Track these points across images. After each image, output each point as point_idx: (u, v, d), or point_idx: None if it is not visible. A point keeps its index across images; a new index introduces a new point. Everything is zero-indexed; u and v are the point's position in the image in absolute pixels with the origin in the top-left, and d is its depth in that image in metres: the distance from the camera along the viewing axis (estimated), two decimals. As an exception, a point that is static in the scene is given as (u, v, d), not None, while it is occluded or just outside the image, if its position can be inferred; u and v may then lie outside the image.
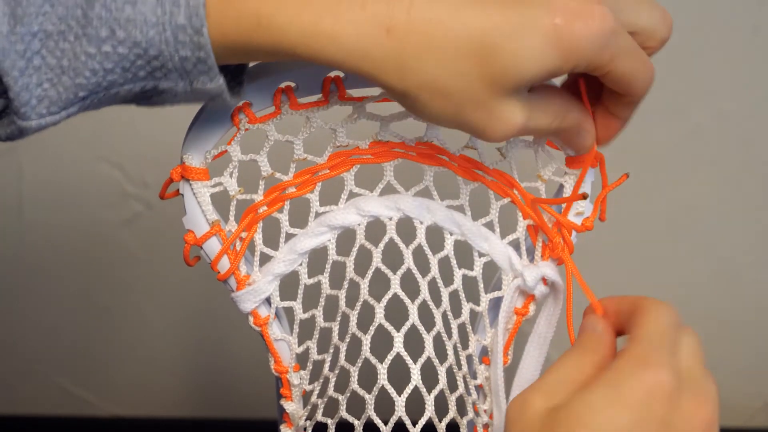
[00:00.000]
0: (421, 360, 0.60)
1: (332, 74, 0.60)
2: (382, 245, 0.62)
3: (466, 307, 0.63)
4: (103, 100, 0.55)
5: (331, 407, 0.61)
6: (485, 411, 0.63)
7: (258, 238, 0.62)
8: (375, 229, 0.63)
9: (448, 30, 0.52)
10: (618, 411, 0.48)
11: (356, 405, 0.60)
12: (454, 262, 0.63)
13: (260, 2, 0.52)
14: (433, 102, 0.54)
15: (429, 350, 0.60)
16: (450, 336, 0.62)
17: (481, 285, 0.64)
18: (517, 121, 0.55)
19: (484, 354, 0.64)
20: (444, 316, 0.62)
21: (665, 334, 0.51)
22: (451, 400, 0.61)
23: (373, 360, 0.60)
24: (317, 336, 0.63)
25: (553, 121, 0.58)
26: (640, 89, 0.57)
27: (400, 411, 0.59)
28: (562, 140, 0.62)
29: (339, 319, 0.62)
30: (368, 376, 0.60)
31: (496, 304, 0.64)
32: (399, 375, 0.60)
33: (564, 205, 0.63)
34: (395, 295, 0.61)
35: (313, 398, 0.63)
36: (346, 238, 0.63)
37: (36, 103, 0.53)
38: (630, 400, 0.48)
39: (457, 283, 0.63)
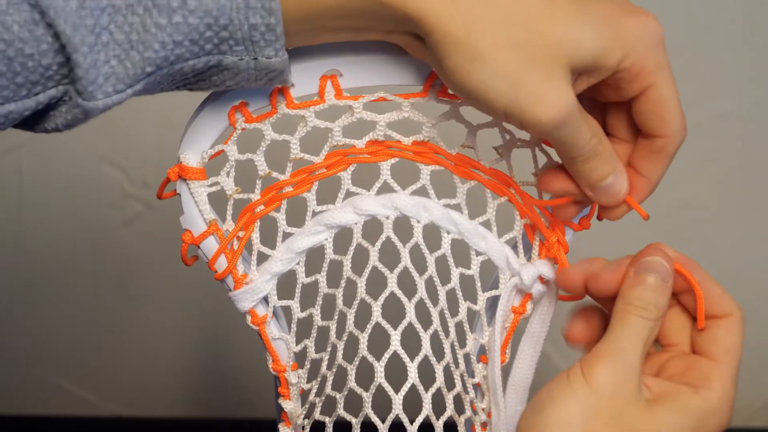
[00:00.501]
0: (419, 358, 0.60)
1: (329, 73, 0.60)
2: (379, 244, 0.62)
3: (464, 306, 0.63)
4: (166, 78, 0.54)
5: (329, 406, 0.61)
6: (483, 409, 0.63)
7: (255, 237, 0.62)
8: (372, 228, 0.63)
9: None
10: None
11: (354, 403, 0.60)
12: (451, 260, 0.63)
13: None
14: (491, 53, 0.54)
15: (426, 349, 0.61)
16: (447, 334, 0.62)
17: (479, 284, 0.64)
18: (569, 100, 0.55)
19: (482, 352, 0.64)
20: (441, 314, 0.62)
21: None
22: (449, 398, 0.61)
23: (371, 358, 0.60)
24: (315, 335, 0.63)
25: (592, 138, 0.57)
26: (673, 129, 0.57)
27: (397, 409, 0.59)
28: (589, 180, 0.59)
29: (336, 317, 0.62)
30: (366, 375, 0.60)
31: (493, 303, 0.64)
32: (396, 373, 0.60)
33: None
34: (392, 294, 0.61)
35: (311, 397, 0.63)
36: (343, 237, 0.63)
37: (103, 81, 0.53)
38: None
39: (455, 282, 0.63)
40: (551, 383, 0.57)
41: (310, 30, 0.55)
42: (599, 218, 0.63)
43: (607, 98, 0.59)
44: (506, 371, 0.64)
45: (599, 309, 0.61)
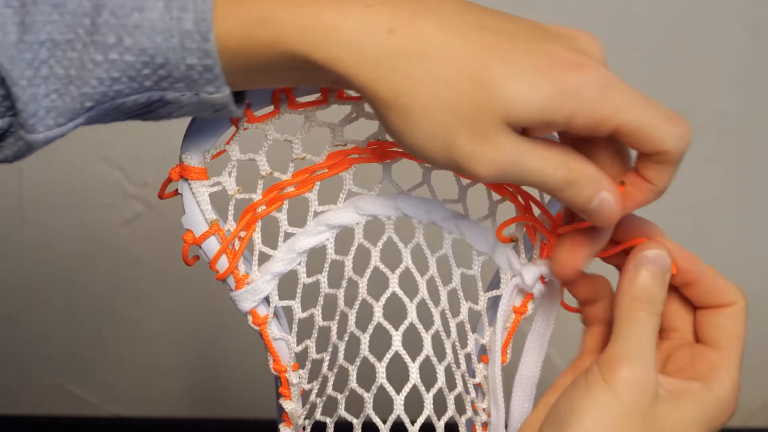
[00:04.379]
0: (420, 359, 0.60)
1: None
2: (380, 244, 0.62)
3: (465, 306, 0.63)
4: (109, 111, 0.54)
5: (330, 406, 0.61)
6: (484, 409, 0.63)
7: (257, 237, 0.62)
8: (373, 228, 0.63)
9: (449, 42, 0.52)
10: None
11: (355, 404, 0.60)
12: (452, 261, 0.63)
13: (266, 2, 0.52)
14: (421, 115, 0.52)
15: (428, 349, 0.61)
16: (449, 335, 0.62)
17: (480, 284, 0.64)
18: (507, 152, 0.52)
19: (483, 353, 0.64)
20: (442, 314, 0.62)
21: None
22: (450, 398, 0.61)
23: (372, 359, 0.60)
24: (316, 335, 0.63)
25: (557, 171, 0.54)
26: (669, 144, 0.53)
27: (398, 410, 0.59)
28: (575, 206, 0.55)
29: (338, 318, 0.62)
30: (367, 375, 0.60)
31: (494, 303, 0.64)
32: (398, 374, 0.60)
33: (562, 205, 0.63)
34: (394, 294, 0.61)
35: (312, 397, 0.63)
36: (344, 237, 0.63)
37: (44, 114, 0.53)
38: None
39: (456, 282, 0.63)
40: (569, 393, 0.57)
41: (246, 80, 0.55)
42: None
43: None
44: (507, 371, 0.64)
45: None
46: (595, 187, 0.55)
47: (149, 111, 0.55)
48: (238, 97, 0.57)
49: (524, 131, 0.54)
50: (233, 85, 0.54)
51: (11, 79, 0.52)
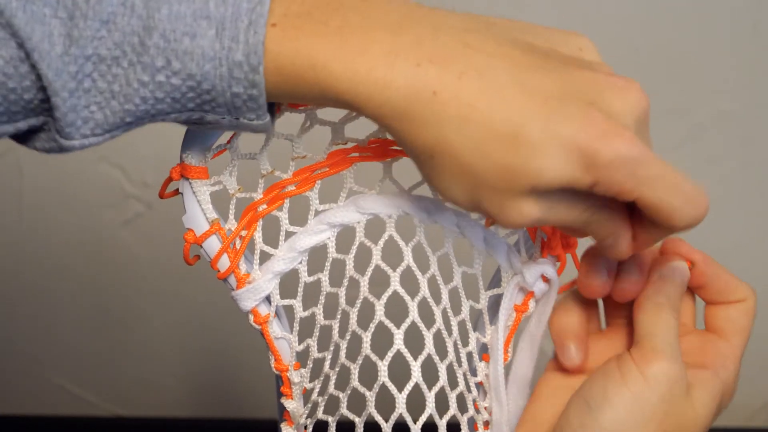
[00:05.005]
0: (422, 357, 0.60)
1: None
2: (381, 243, 0.62)
3: (466, 305, 0.63)
4: (145, 123, 0.55)
5: (332, 405, 0.61)
6: (485, 408, 0.63)
7: (258, 236, 0.62)
8: (375, 227, 0.63)
9: (490, 108, 0.52)
10: None
11: (357, 402, 0.60)
12: (453, 259, 0.63)
13: (318, 44, 0.52)
14: (453, 172, 0.53)
15: (429, 347, 0.61)
16: (450, 333, 0.62)
17: (481, 282, 0.64)
18: (532, 213, 0.54)
19: (484, 351, 0.64)
20: (444, 313, 0.62)
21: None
22: (452, 397, 0.61)
23: (374, 357, 0.60)
24: (317, 334, 0.63)
25: (581, 215, 0.55)
26: (677, 222, 0.55)
27: (400, 408, 0.59)
28: (595, 239, 0.58)
29: (339, 316, 0.62)
30: (369, 374, 0.60)
31: (495, 302, 0.64)
32: (399, 372, 0.60)
33: None
34: (395, 293, 0.61)
35: (314, 396, 0.63)
36: (345, 236, 0.63)
37: (81, 124, 0.53)
38: None
39: (457, 281, 0.63)
40: (601, 382, 0.59)
41: (288, 100, 0.55)
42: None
43: None
44: (509, 369, 0.64)
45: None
46: (611, 230, 0.57)
47: (187, 123, 0.56)
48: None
49: None
50: (273, 100, 0.55)
51: (53, 89, 0.52)
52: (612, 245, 0.57)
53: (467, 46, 0.53)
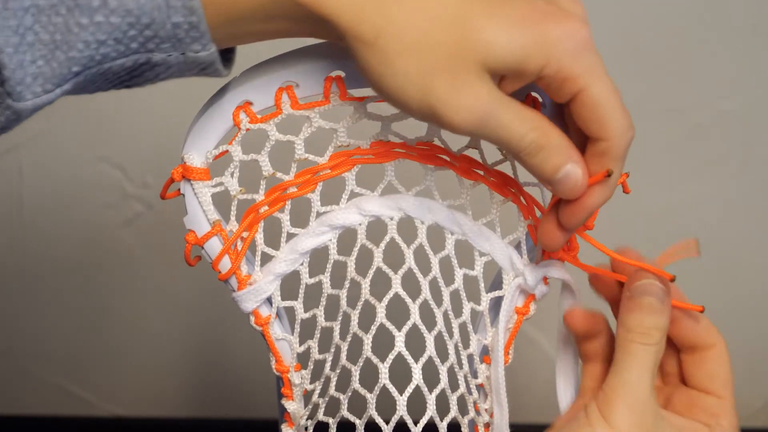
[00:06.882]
0: (423, 359, 0.60)
1: (333, 74, 0.60)
2: (383, 245, 0.62)
3: (467, 307, 0.63)
4: (96, 77, 0.54)
5: (333, 407, 0.61)
6: (486, 410, 0.63)
7: (259, 237, 0.62)
8: (376, 228, 0.63)
9: None
10: None
11: (358, 404, 0.60)
12: (455, 261, 0.63)
13: None
14: (399, 58, 0.53)
15: (430, 349, 0.61)
16: (451, 335, 0.62)
17: (482, 284, 0.64)
18: (483, 101, 0.53)
19: (485, 353, 0.64)
20: (445, 315, 0.62)
21: None
22: (453, 399, 0.61)
23: (375, 359, 0.60)
24: (318, 335, 0.63)
25: (530, 132, 0.55)
26: (614, 132, 0.54)
27: (401, 410, 0.59)
28: (542, 174, 0.56)
29: (340, 318, 0.62)
30: (369, 376, 0.60)
31: (496, 304, 0.64)
32: (400, 374, 0.60)
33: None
34: (396, 295, 0.61)
35: (315, 398, 0.63)
36: (347, 237, 0.63)
37: (31, 81, 0.53)
38: None
39: (458, 283, 0.63)
40: (571, 427, 0.58)
41: (233, 33, 0.55)
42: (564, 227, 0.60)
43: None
44: (509, 371, 0.64)
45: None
46: (564, 157, 0.56)
47: (136, 75, 0.55)
48: (226, 57, 0.58)
49: (500, 87, 0.55)
50: (219, 42, 0.55)
51: None
52: (565, 178, 0.56)
53: None
